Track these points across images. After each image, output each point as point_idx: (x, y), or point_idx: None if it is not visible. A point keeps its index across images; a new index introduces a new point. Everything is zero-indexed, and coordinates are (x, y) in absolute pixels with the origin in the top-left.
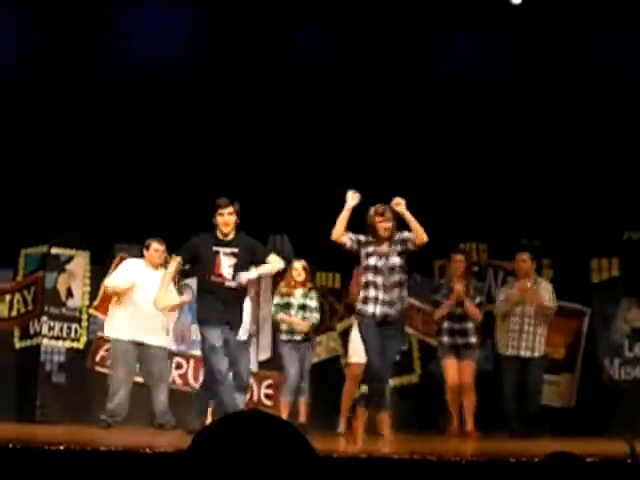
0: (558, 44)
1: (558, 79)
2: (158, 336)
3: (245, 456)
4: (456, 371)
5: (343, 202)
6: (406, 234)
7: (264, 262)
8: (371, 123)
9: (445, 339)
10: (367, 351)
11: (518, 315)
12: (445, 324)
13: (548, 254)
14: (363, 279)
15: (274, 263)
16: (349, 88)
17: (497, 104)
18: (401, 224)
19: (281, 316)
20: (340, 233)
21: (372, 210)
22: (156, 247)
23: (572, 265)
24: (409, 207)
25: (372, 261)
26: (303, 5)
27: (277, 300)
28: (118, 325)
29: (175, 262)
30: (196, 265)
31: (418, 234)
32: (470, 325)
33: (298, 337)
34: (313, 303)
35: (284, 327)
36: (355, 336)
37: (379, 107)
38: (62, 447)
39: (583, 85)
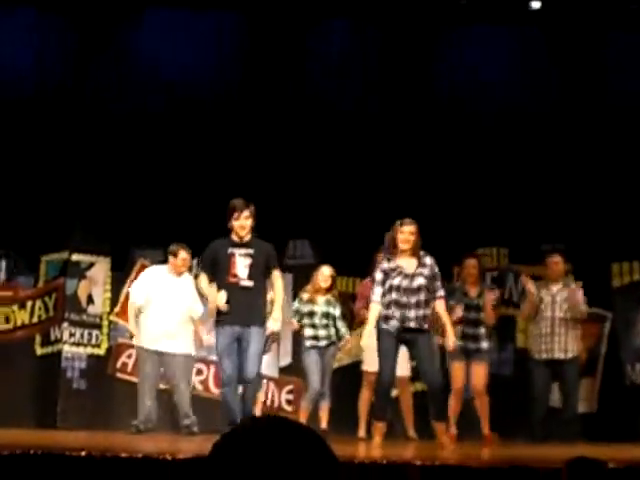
0: (577, 48)
1: (577, 84)
2: (180, 343)
3: (266, 462)
4: (463, 376)
5: (361, 206)
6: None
7: (271, 271)
8: (390, 128)
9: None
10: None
11: (549, 318)
12: (457, 328)
13: (569, 258)
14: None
15: (278, 288)
16: (368, 96)
17: (517, 108)
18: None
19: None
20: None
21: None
22: (184, 257)
23: (593, 269)
24: (431, 213)
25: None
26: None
27: (297, 305)
28: (143, 334)
29: (204, 278)
30: (214, 269)
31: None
32: (482, 331)
33: (323, 343)
34: (337, 312)
35: (308, 333)
36: (367, 344)
37: (398, 112)
38: (83, 453)
39: (603, 89)
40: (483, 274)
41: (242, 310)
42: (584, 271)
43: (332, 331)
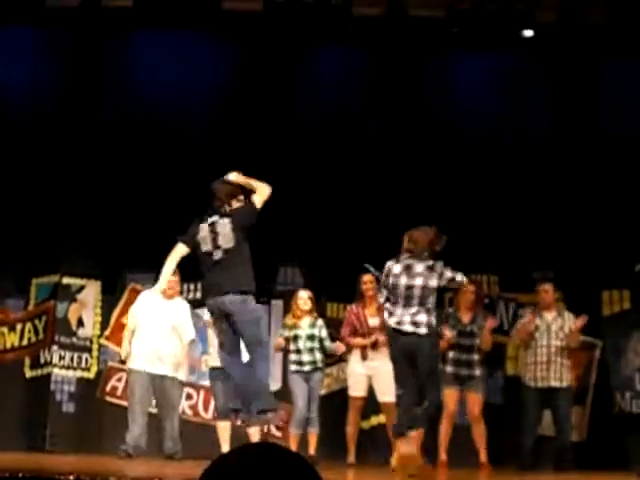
0: (571, 75)
1: (569, 112)
2: (171, 367)
3: None
4: (456, 402)
5: (354, 232)
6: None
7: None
8: (382, 154)
9: (449, 369)
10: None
11: (545, 346)
12: (451, 354)
13: (559, 286)
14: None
15: (262, 188)
16: (361, 120)
17: (507, 136)
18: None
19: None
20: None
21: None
22: (172, 279)
23: (583, 297)
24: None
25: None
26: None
27: (282, 332)
28: (135, 356)
29: (178, 249)
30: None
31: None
32: (476, 357)
33: (307, 368)
34: (323, 333)
35: (292, 358)
36: (352, 370)
37: (391, 139)
38: (72, 477)
39: (595, 118)
40: (481, 300)
41: (221, 282)
42: (574, 299)
43: (317, 356)
